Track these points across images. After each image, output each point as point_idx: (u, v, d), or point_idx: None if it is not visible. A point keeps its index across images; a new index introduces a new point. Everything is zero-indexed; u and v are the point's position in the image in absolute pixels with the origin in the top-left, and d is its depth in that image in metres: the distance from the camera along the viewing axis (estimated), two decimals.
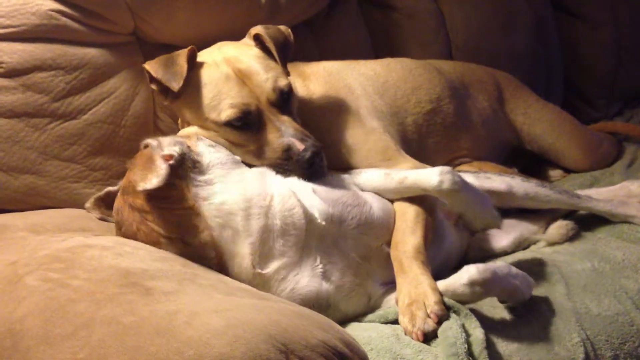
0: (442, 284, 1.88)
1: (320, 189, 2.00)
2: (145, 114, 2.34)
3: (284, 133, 2.03)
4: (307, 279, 1.89)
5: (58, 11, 2.21)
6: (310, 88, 2.31)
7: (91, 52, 2.27)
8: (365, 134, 2.27)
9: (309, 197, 1.95)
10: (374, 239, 2.02)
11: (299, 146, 2.01)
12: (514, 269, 1.90)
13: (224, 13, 2.45)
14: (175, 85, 2.03)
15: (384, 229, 2.04)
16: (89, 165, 2.25)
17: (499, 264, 1.88)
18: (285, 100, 2.10)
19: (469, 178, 2.41)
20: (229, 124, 2.03)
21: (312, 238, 1.92)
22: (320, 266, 1.92)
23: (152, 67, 2.08)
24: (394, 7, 3.11)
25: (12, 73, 2.16)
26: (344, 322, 1.91)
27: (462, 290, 1.84)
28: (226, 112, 2.03)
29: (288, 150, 2.01)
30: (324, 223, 1.93)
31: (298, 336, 1.44)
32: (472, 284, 1.82)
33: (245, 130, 2.04)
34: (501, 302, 1.94)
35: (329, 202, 1.96)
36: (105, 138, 2.27)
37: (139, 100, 2.33)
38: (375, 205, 2.05)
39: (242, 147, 2.05)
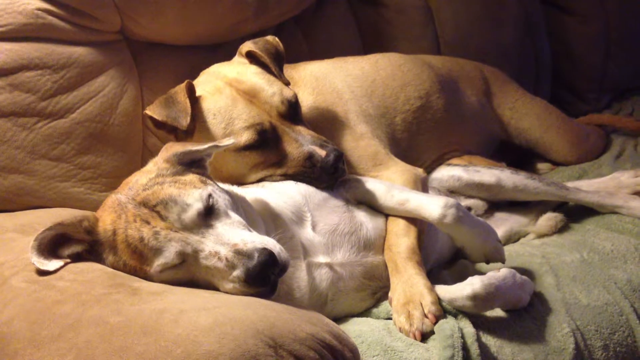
0: (441, 290, 1.86)
1: (317, 218, 1.97)
2: (133, 111, 2.33)
3: (303, 142, 2.04)
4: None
5: (45, 10, 2.19)
6: (299, 95, 2.31)
7: (78, 51, 2.25)
8: (354, 140, 2.28)
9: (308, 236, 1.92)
10: (375, 255, 2.01)
11: (321, 152, 2.02)
12: (518, 277, 1.88)
13: (212, 10, 2.44)
14: (183, 122, 2.00)
15: (382, 245, 2.03)
16: (77, 164, 2.24)
17: (504, 275, 1.85)
18: (294, 109, 2.10)
19: (459, 172, 2.43)
20: (247, 147, 2.03)
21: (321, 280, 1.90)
22: (331, 304, 1.91)
23: (153, 111, 2.05)
24: (383, 3, 3.11)
25: None
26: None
27: (463, 303, 1.82)
28: (243, 136, 2.02)
29: (310, 158, 2.02)
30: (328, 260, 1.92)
31: (286, 330, 1.45)
32: (474, 297, 1.80)
33: (264, 149, 2.04)
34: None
35: (327, 235, 1.94)
36: (93, 137, 2.25)
37: (127, 98, 2.32)
38: (370, 225, 2.03)
39: (262, 164, 2.06)
